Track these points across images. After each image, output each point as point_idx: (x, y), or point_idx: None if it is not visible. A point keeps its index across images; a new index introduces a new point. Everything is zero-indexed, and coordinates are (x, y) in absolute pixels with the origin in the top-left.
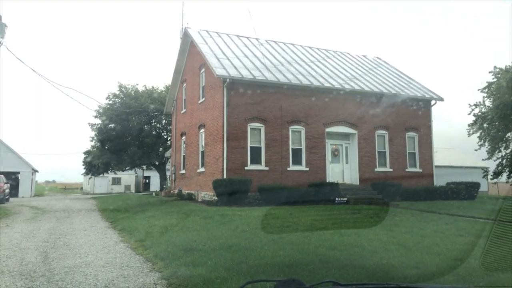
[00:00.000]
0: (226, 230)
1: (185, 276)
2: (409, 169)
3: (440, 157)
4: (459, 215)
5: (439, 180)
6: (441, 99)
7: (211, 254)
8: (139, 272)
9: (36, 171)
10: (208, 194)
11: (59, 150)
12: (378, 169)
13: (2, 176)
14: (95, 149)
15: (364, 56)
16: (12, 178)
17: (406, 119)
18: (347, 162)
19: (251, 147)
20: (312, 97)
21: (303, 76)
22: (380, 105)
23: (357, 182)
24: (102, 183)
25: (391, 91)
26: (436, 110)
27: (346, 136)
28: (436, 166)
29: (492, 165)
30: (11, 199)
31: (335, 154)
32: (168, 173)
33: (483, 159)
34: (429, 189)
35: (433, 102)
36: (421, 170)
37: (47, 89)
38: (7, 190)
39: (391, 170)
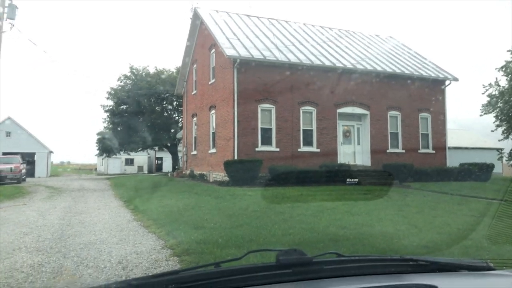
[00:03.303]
0: (237, 209)
1: (197, 253)
2: (422, 150)
3: (454, 138)
4: (471, 196)
5: (453, 162)
6: (456, 79)
7: (222, 232)
8: (152, 249)
9: (51, 152)
10: (219, 174)
11: (73, 131)
12: (390, 150)
13: (18, 156)
14: (108, 130)
15: (377, 35)
16: (28, 158)
17: (419, 100)
18: (358, 143)
19: (261, 128)
20: (323, 77)
21: (314, 56)
22: (393, 85)
23: (368, 163)
24: (116, 164)
25: (405, 71)
26: (451, 90)
27: (358, 117)
28: (450, 148)
29: (508, 146)
30: (27, 179)
31: (347, 135)
32: (180, 154)
33: (499, 140)
34: (442, 170)
35: (447, 82)
36: (434, 151)
37: (59, 71)
38: (23, 170)
39: (403, 151)
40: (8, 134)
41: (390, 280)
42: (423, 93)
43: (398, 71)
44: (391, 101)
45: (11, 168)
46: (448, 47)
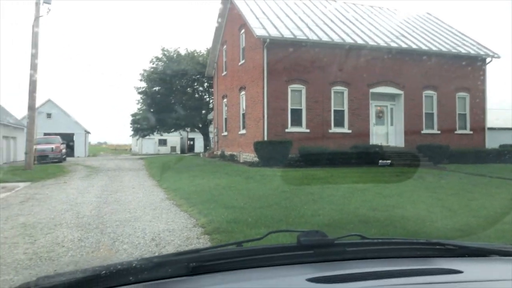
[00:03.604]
0: (267, 189)
1: (227, 231)
2: (459, 131)
3: (494, 118)
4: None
5: (492, 143)
6: (497, 56)
7: (252, 212)
8: (183, 227)
9: (89, 132)
10: (249, 155)
11: (110, 112)
12: (425, 131)
13: (58, 137)
14: (141, 111)
15: (412, 11)
16: (68, 139)
17: (457, 78)
18: (391, 124)
19: (291, 109)
20: (356, 56)
21: (346, 35)
22: (429, 63)
23: (402, 145)
24: (149, 144)
25: (442, 48)
26: (492, 68)
27: (391, 97)
28: (489, 128)
29: None
30: (67, 159)
31: (380, 115)
32: (211, 135)
33: None
34: (480, 151)
35: (488, 59)
36: (471, 132)
37: (93, 54)
38: (63, 150)
39: (439, 132)
40: (48, 115)
41: (415, 263)
42: (462, 71)
43: (434, 48)
44: (427, 80)
45: (52, 148)
46: (490, 22)
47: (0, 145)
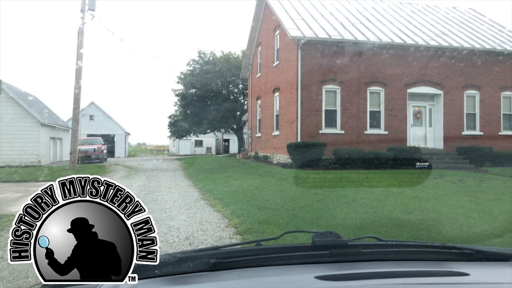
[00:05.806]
0: (300, 191)
1: (258, 232)
2: (503, 132)
3: None
4: None
5: None
6: None
7: (284, 213)
8: (216, 227)
9: (128, 134)
10: (282, 156)
11: (148, 114)
12: (466, 132)
13: (100, 138)
14: (178, 113)
15: (454, 8)
16: (109, 140)
17: (502, 77)
18: (430, 125)
19: (326, 110)
20: (393, 56)
21: (383, 34)
22: (471, 62)
23: (441, 146)
24: (186, 145)
25: (485, 46)
26: None
27: (430, 97)
28: None
29: None
30: (108, 159)
31: (418, 116)
32: (245, 136)
33: None
34: None
35: None
36: None
37: (134, 58)
38: (105, 151)
39: (481, 133)
40: (91, 117)
41: (428, 266)
42: (507, 69)
43: (477, 46)
44: (469, 79)
45: (94, 149)
46: None
47: (48, 146)
